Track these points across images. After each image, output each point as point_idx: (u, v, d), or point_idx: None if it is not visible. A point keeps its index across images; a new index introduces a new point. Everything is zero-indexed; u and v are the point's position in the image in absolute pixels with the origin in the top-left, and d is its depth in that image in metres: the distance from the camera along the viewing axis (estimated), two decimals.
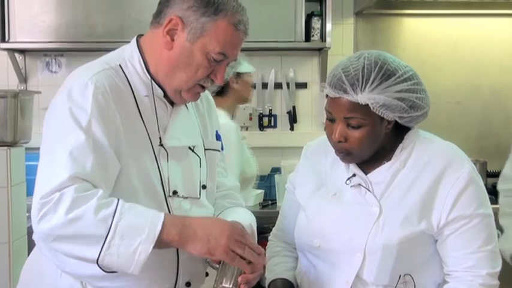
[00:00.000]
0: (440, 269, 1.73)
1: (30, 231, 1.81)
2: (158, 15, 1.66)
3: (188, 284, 1.72)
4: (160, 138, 1.67)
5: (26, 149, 2.74)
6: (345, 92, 1.64)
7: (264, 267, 1.65)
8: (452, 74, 3.83)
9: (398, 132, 1.74)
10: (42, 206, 1.45)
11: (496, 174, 3.40)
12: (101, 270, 1.59)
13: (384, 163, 1.74)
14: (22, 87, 3.95)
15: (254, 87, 3.68)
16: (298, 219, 1.85)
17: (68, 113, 1.54)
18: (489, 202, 1.72)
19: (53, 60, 3.99)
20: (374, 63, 1.64)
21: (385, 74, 1.64)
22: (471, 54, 4.05)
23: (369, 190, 1.72)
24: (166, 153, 1.67)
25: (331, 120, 1.71)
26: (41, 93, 3.13)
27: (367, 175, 1.74)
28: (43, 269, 1.71)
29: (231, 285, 1.56)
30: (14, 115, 2.65)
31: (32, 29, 3.68)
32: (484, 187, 1.73)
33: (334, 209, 1.75)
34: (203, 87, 1.69)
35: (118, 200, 1.49)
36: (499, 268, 1.70)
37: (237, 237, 1.54)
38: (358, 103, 1.63)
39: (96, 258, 1.46)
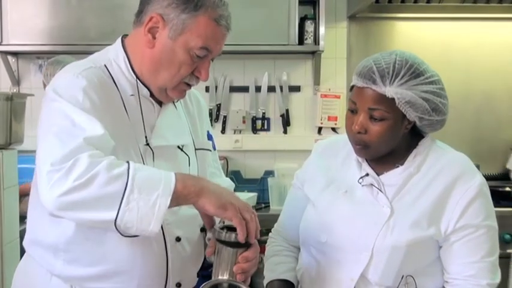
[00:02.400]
0: (441, 275, 1.76)
1: (22, 235, 1.80)
2: (139, 13, 1.65)
3: (179, 284, 1.72)
4: (146, 137, 1.66)
5: (19, 151, 2.73)
6: (374, 82, 1.66)
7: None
8: (444, 77, 3.84)
9: (413, 138, 1.77)
10: (53, 174, 1.38)
11: (488, 178, 3.41)
12: (89, 271, 1.59)
13: (397, 166, 1.76)
14: (15, 90, 3.94)
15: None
16: (305, 213, 1.86)
17: (61, 98, 1.52)
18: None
19: (46, 63, 3.97)
20: (405, 61, 1.68)
21: (415, 72, 1.67)
22: (463, 58, 4.07)
23: (381, 191, 1.74)
24: (152, 152, 1.66)
25: (352, 111, 1.73)
26: (33, 96, 3.13)
27: (379, 176, 1.76)
28: (34, 273, 1.71)
29: (227, 277, 1.53)
30: (6, 118, 2.65)
31: (25, 32, 3.67)
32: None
33: (344, 206, 1.77)
34: (189, 85, 1.69)
35: (127, 161, 1.45)
36: (498, 280, 1.72)
37: (246, 206, 1.52)
38: (385, 95, 1.65)
39: (115, 217, 1.38)
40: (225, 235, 1.51)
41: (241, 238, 1.47)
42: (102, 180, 1.38)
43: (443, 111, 1.71)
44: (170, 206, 1.42)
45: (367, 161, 1.79)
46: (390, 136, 1.70)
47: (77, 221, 1.48)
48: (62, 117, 1.49)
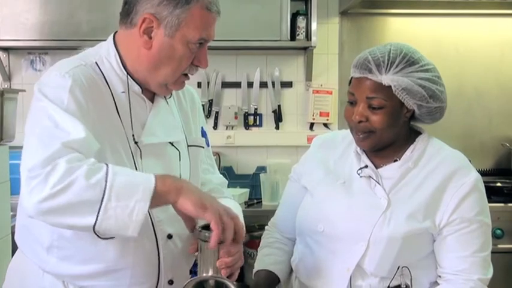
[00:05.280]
0: (436, 269, 1.78)
1: (14, 231, 1.79)
2: (128, 14, 1.64)
3: (171, 282, 1.71)
4: (133, 135, 1.65)
5: (10, 147, 2.72)
6: (370, 71, 1.70)
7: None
8: None
9: (411, 133, 1.81)
10: (31, 180, 1.40)
11: (479, 173, 3.42)
12: (81, 269, 1.58)
13: (396, 160, 1.79)
14: (6, 86, 3.92)
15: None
16: (303, 203, 1.89)
17: (46, 99, 1.52)
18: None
19: (37, 58, 3.96)
20: (400, 50, 1.72)
21: (409, 60, 1.71)
22: (455, 53, 4.08)
23: (378, 183, 1.76)
24: (140, 150, 1.65)
25: (351, 103, 1.76)
26: (25, 92, 3.11)
27: (377, 169, 1.79)
28: (26, 269, 1.70)
29: (212, 273, 1.52)
30: None
31: (16, 27, 3.65)
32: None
33: (342, 197, 1.79)
34: (187, 75, 1.69)
35: (107, 164, 1.44)
36: (489, 276, 1.74)
37: (226, 210, 1.51)
38: (381, 84, 1.69)
39: (93, 224, 1.39)
40: (205, 234, 1.51)
41: (213, 243, 1.46)
42: (79, 187, 1.38)
43: (441, 98, 1.74)
44: (151, 207, 1.43)
45: (366, 154, 1.81)
46: (390, 124, 1.72)
47: (56, 226, 1.48)
48: (46, 119, 1.49)
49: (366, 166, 1.79)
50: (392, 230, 1.70)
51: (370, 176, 1.78)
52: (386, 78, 1.68)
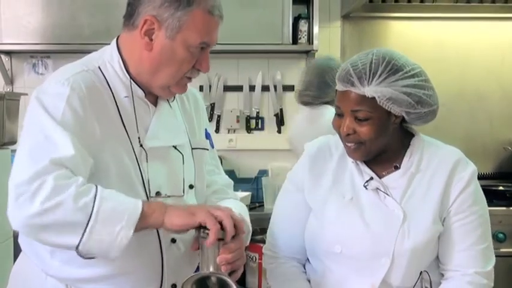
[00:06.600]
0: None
1: (16, 234, 1.79)
2: (130, 16, 1.64)
3: (174, 285, 1.71)
4: (139, 138, 1.65)
5: (12, 151, 2.72)
6: (352, 84, 1.67)
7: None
8: (437, 76, 3.84)
9: (405, 136, 1.79)
10: (19, 195, 1.42)
11: (481, 177, 3.42)
12: (84, 273, 1.58)
13: (396, 166, 1.77)
14: (8, 89, 3.92)
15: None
16: (310, 225, 1.83)
17: (42, 109, 1.53)
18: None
19: (40, 62, 3.97)
20: (382, 59, 1.68)
21: (392, 68, 1.67)
22: (457, 57, 4.08)
23: (387, 194, 1.73)
24: (146, 153, 1.66)
25: (339, 115, 1.74)
26: (27, 95, 3.12)
27: (381, 179, 1.76)
28: (29, 272, 1.70)
29: (212, 270, 1.52)
30: (0, 117, 2.64)
31: (18, 31, 3.65)
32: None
33: (355, 215, 1.74)
34: (189, 78, 1.69)
35: (96, 186, 1.46)
36: (489, 268, 1.73)
37: (216, 206, 1.54)
38: (365, 96, 1.66)
39: (77, 244, 1.43)
40: (205, 232, 1.50)
41: (212, 238, 1.47)
42: (67, 210, 1.41)
43: (429, 103, 1.70)
44: (136, 231, 1.46)
45: (365, 163, 1.78)
46: (379, 133, 1.70)
47: (40, 242, 1.51)
48: (38, 131, 1.51)
49: (371, 178, 1.75)
50: (413, 240, 1.68)
51: (377, 188, 1.74)
52: (369, 90, 1.65)
